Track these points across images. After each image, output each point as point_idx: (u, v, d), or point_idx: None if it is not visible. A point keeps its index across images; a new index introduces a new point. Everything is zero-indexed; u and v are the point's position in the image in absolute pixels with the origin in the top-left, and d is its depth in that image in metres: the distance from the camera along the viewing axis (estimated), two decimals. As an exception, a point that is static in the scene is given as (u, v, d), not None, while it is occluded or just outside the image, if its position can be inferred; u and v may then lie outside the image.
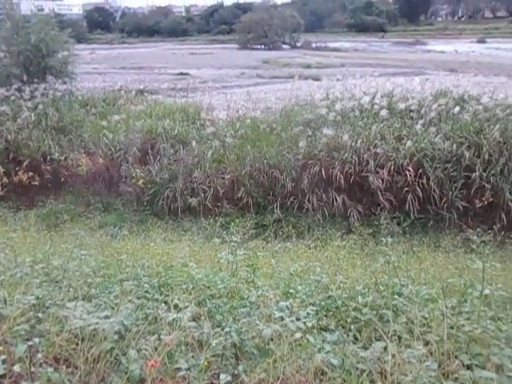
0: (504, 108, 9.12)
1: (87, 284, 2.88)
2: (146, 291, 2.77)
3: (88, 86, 16.04)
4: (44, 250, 4.22)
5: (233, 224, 7.39)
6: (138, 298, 2.58)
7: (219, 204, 8.73)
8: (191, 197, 8.77)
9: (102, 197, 9.62)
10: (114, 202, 9.46)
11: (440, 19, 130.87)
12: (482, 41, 75.15)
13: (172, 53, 56.42)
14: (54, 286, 2.72)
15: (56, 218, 8.89)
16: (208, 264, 3.83)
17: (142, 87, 18.38)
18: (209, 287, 2.78)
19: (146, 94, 16.56)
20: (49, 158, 10.08)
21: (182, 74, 31.22)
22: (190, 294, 2.72)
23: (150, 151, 9.65)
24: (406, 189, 8.07)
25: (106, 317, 2.08)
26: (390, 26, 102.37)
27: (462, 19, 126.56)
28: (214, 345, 1.92)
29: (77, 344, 1.91)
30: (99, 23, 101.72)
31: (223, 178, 8.84)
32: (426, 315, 2.32)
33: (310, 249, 6.44)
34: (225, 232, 7.42)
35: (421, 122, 8.87)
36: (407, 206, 7.99)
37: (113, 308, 2.32)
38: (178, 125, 10.43)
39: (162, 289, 2.89)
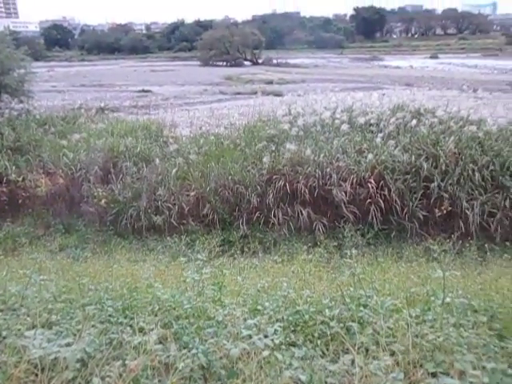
0: (457, 120, 9.54)
1: (47, 310, 2.76)
2: (110, 315, 2.69)
3: (46, 105, 15.67)
4: (0, 277, 4.03)
5: (198, 242, 7.33)
6: (102, 323, 2.49)
7: (184, 221, 8.63)
8: (156, 215, 8.64)
9: (62, 218, 9.33)
10: (75, 222, 9.19)
11: (395, 36, 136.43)
12: (434, 56, 78.73)
13: (133, 70, 55.99)
14: (12, 315, 2.59)
15: (14, 242, 8.52)
16: (174, 284, 3.76)
17: (102, 105, 18.11)
18: (175, 308, 2.73)
19: (107, 111, 16.33)
20: (5, 179, 9.71)
21: (143, 91, 30.99)
22: (156, 315, 2.65)
23: (112, 170, 9.47)
24: (369, 201, 8.24)
25: (68, 344, 2.00)
26: (348, 42, 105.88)
27: (416, 36, 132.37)
28: (180, 368, 1.87)
29: (36, 375, 1.82)
30: (57, 40, 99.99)
31: (188, 195, 8.77)
32: (392, 325, 2.36)
33: (276, 263, 6.45)
34: (191, 250, 7.35)
35: (380, 135, 9.13)
36: (370, 217, 8.15)
37: (75, 335, 2.24)
38: (140, 142, 10.31)
39: (127, 312, 2.81)
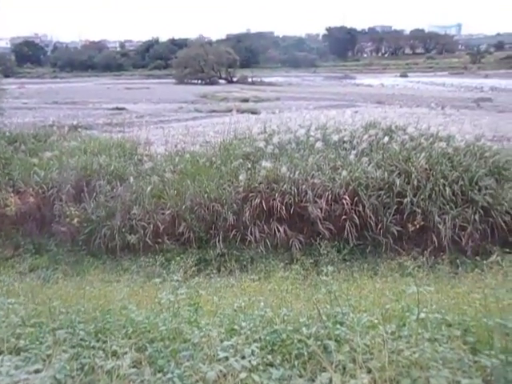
0: (428, 137, 9.80)
1: (15, 335, 2.66)
2: (82, 339, 2.60)
3: (17, 122, 15.36)
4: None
5: (174, 261, 7.22)
6: (73, 347, 2.41)
7: (160, 240, 8.52)
8: (130, 234, 8.49)
9: (33, 238, 9.07)
10: (46, 242, 8.95)
11: (366, 55, 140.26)
12: (404, 75, 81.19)
13: (107, 87, 55.64)
14: (-23, 342, 2.48)
15: (-20, 264, 8.23)
16: (149, 305, 3.69)
17: (75, 122, 17.88)
18: (149, 330, 2.66)
19: (80, 129, 16.09)
20: (-28, 199, 9.41)
21: (117, 108, 30.78)
22: (130, 338, 2.59)
23: (85, 188, 9.30)
24: (344, 217, 8.32)
25: (37, 371, 1.93)
26: (321, 61, 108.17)
27: (386, 55, 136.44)
28: (155, 393, 1.83)
29: (3, 405, 1.74)
30: (29, 57, 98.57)
31: (163, 214, 8.68)
32: (368, 342, 2.36)
33: (254, 281, 6.40)
34: (166, 269, 7.24)
35: (354, 152, 9.29)
36: (346, 233, 8.22)
37: (44, 360, 2.16)
38: (114, 161, 10.19)
39: (100, 335, 2.73)
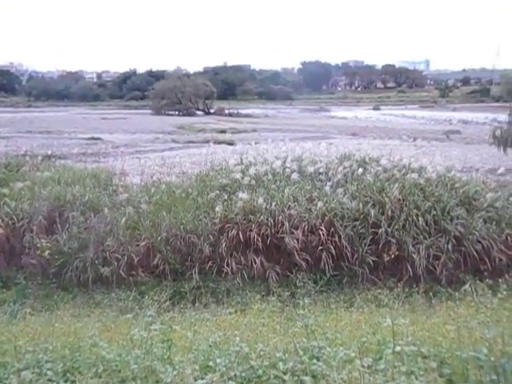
0: (400, 168, 10.03)
1: (-23, 377, 2.53)
2: (49, 379, 2.50)
3: (-12, 152, 15.05)
4: None
5: (148, 294, 7.06)
6: (39, 389, 2.30)
7: (134, 273, 8.33)
8: (103, 266, 8.28)
9: (0, 271, 8.74)
10: (14, 276, 8.61)
11: (340, 89, 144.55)
12: (377, 108, 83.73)
13: (83, 117, 55.34)
14: None
15: None
16: (121, 341, 3.57)
17: (49, 152, 17.63)
18: (120, 369, 2.57)
19: (54, 159, 15.87)
20: None
21: (93, 138, 30.60)
22: (100, 377, 2.49)
23: (57, 220, 9.08)
24: (321, 247, 8.35)
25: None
26: (297, 94, 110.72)
27: (359, 89, 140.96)
28: None
29: None
30: (3, 86, 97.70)
31: (138, 246, 8.52)
32: (345, 377, 2.33)
33: (230, 315, 6.30)
34: (140, 303, 7.06)
35: (329, 183, 9.41)
36: (322, 264, 8.23)
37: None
38: (88, 191, 10.02)
39: (68, 374, 2.62)
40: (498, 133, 15.63)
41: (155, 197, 9.65)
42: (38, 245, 8.54)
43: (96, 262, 8.33)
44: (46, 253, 8.47)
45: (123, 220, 8.81)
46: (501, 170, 11.30)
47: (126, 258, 8.34)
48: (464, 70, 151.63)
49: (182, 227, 8.65)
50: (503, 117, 17.56)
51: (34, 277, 8.52)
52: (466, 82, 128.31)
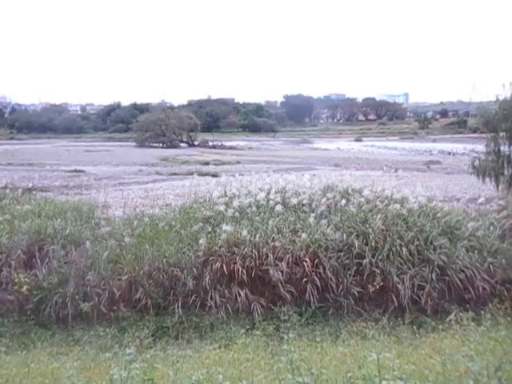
0: (383, 199, 10.12)
1: None
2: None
3: (-34, 185, 14.77)
4: None
5: (129, 331, 6.85)
6: None
7: (115, 308, 8.12)
8: (84, 301, 8.07)
9: (-26, 309, 8.42)
10: (-11, 313, 8.31)
11: (322, 121, 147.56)
12: (359, 139, 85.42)
13: (66, 149, 55.04)
14: None
15: None
16: (100, 382, 3.44)
17: (30, 185, 17.39)
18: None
19: (35, 192, 15.64)
20: None
21: (76, 171, 30.39)
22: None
23: (37, 254, 8.88)
24: (305, 279, 8.29)
25: None
26: (280, 126, 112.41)
27: (341, 121, 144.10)
28: None
29: None
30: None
31: (120, 280, 8.35)
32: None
33: (214, 350, 6.15)
34: (121, 339, 6.85)
35: (313, 215, 9.44)
36: (307, 296, 8.16)
37: None
38: (70, 224, 9.85)
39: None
40: (476, 163, 15.98)
41: (138, 229, 9.54)
42: (16, 280, 8.30)
43: (76, 297, 8.12)
44: (24, 288, 8.23)
45: (105, 254, 8.66)
46: (481, 200, 11.50)
47: (107, 292, 8.15)
48: (442, 103, 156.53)
49: (164, 260, 8.53)
50: (481, 147, 18.03)
51: (10, 313, 8.24)
52: (444, 114, 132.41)
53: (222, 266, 8.33)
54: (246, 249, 8.48)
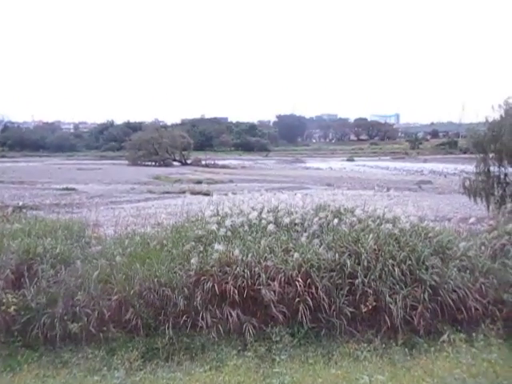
0: (375, 219, 10.15)
1: None
2: None
3: (-45, 204, 14.62)
4: None
5: (118, 353, 6.73)
6: None
7: (105, 328, 7.98)
8: (72, 322, 7.92)
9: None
10: (-25, 335, 8.13)
11: (314, 141, 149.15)
12: (350, 159, 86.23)
13: (58, 168, 54.89)
14: None
15: None
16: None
17: (21, 203, 17.25)
18: None
19: (25, 210, 15.50)
20: None
21: (67, 189, 30.26)
22: None
23: (26, 273, 8.73)
24: (298, 299, 8.23)
25: None
26: (273, 145, 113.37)
27: (333, 141, 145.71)
28: None
29: None
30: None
31: (110, 300, 8.22)
32: None
33: (205, 372, 6.06)
34: (110, 361, 6.72)
35: (305, 234, 9.43)
36: (300, 316, 8.08)
37: None
38: (60, 243, 9.73)
39: None
40: (467, 183, 16.17)
41: (129, 249, 9.45)
42: (3, 300, 8.15)
43: (65, 317, 7.97)
44: (12, 309, 8.07)
45: (95, 273, 8.54)
46: (472, 220, 11.56)
47: (96, 313, 8.01)
48: (432, 124, 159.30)
49: (155, 280, 8.43)
50: (471, 168, 18.24)
51: (-4, 335, 8.06)
52: (434, 134, 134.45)
53: (213, 286, 8.25)
54: (238, 268, 8.42)
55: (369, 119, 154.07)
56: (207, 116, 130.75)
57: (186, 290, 8.32)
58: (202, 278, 8.43)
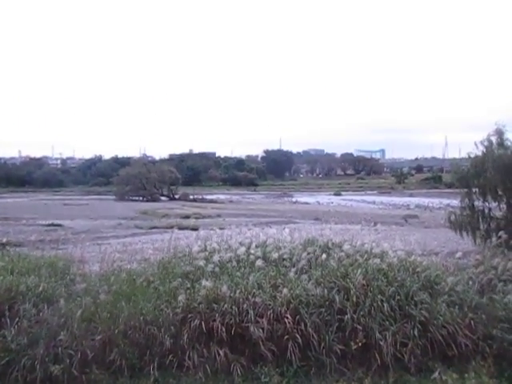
0: (362, 253, 10.16)
1: None
2: None
3: None
4: None
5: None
6: None
7: (88, 370, 7.71)
8: (54, 364, 7.64)
9: None
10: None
11: (302, 175, 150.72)
12: (338, 193, 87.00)
13: (44, 203, 54.26)
14: None
15: None
16: None
17: (4, 240, 16.91)
18: None
19: (8, 247, 15.18)
20: None
21: (53, 225, 29.86)
22: None
23: (7, 313, 8.48)
24: (287, 336, 8.09)
25: None
26: (260, 180, 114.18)
27: (320, 176, 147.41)
28: None
29: None
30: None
31: (93, 340, 7.98)
32: None
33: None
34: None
35: (293, 269, 9.38)
36: (289, 354, 7.92)
37: None
38: (44, 281, 9.51)
39: None
40: (452, 218, 16.37)
41: (115, 286, 9.25)
42: (-17, 342, 7.87)
43: (46, 359, 7.69)
44: (-9, 350, 7.78)
45: (79, 312, 8.32)
46: (459, 254, 11.63)
47: (79, 353, 7.75)
48: (416, 159, 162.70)
49: (141, 318, 8.24)
50: (456, 202, 18.53)
51: (-27, 380, 7.73)
52: (419, 169, 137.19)
53: (200, 324, 8.09)
54: (225, 305, 8.28)
55: (355, 154, 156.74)
56: (195, 151, 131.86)
57: (172, 328, 8.14)
58: (189, 315, 8.27)
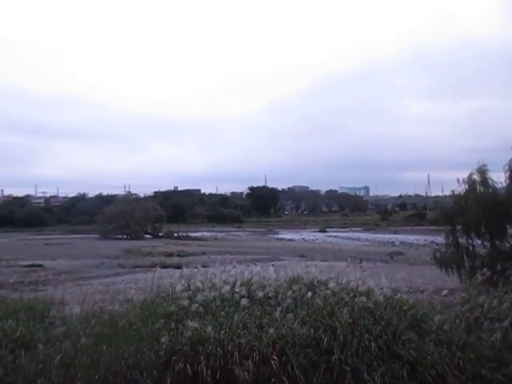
0: (348, 291, 10.08)
1: None
2: None
3: None
4: None
5: None
6: None
7: (65, 420, 7.35)
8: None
9: None
10: None
11: (287, 212, 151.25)
12: (323, 230, 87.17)
13: (25, 243, 53.10)
14: None
15: None
16: None
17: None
18: None
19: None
20: None
21: (34, 265, 29.14)
22: None
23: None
24: (273, 379, 7.84)
25: None
26: (246, 217, 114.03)
27: (305, 212, 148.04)
28: None
29: None
30: None
31: (72, 386, 7.66)
32: None
33: None
34: None
35: (279, 308, 9.21)
36: (276, 398, 7.67)
37: None
38: (22, 325, 9.19)
39: None
40: (437, 255, 16.48)
41: (95, 328, 8.97)
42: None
43: (22, 408, 7.34)
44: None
45: (58, 357, 8.00)
46: (445, 292, 11.62)
47: (57, 402, 7.42)
48: (400, 196, 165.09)
49: (123, 362, 7.94)
50: (440, 239, 18.69)
51: None
52: (402, 206, 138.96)
53: (185, 367, 7.80)
54: (210, 347, 8.06)
55: (339, 191, 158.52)
56: (180, 188, 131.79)
57: (155, 372, 7.83)
58: (173, 358, 8.00)
